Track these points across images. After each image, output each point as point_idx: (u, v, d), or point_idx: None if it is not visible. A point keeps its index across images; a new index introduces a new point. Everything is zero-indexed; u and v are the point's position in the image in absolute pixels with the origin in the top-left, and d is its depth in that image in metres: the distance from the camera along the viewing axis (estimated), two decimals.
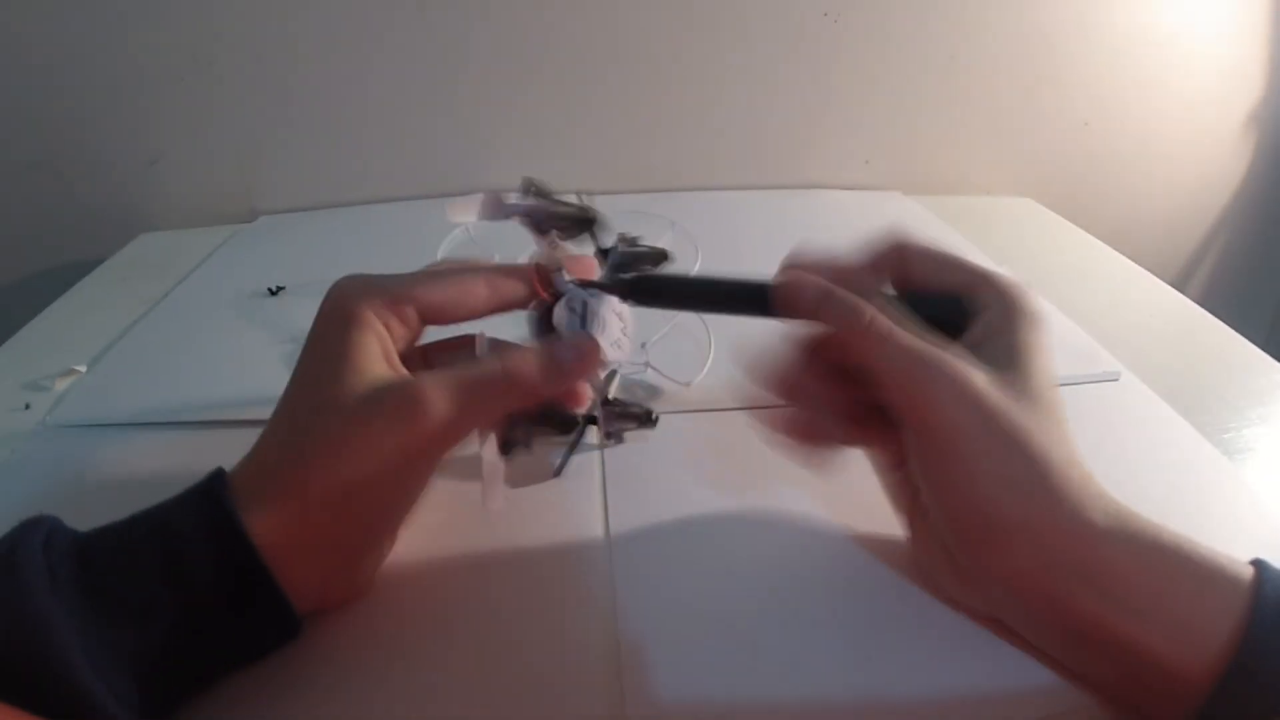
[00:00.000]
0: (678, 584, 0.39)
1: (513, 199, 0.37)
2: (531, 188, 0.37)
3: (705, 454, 0.47)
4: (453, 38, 0.81)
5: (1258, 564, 0.30)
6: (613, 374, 0.48)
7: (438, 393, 0.31)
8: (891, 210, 0.88)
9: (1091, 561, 0.30)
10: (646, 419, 0.48)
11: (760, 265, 0.70)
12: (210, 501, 0.30)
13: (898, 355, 0.33)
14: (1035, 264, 0.73)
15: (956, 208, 0.88)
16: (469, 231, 0.70)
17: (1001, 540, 0.31)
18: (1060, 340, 0.59)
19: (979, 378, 0.32)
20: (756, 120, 0.90)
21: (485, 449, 0.37)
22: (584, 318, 0.36)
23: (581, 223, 0.39)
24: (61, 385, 0.55)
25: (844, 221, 0.84)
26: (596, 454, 0.47)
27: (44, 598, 0.27)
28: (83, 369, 0.56)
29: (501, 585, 0.38)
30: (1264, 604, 0.28)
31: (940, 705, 0.33)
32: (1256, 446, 0.50)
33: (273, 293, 0.66)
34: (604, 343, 0.36)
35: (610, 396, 0.48)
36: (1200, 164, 1.04)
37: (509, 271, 0.37)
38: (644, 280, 0.38)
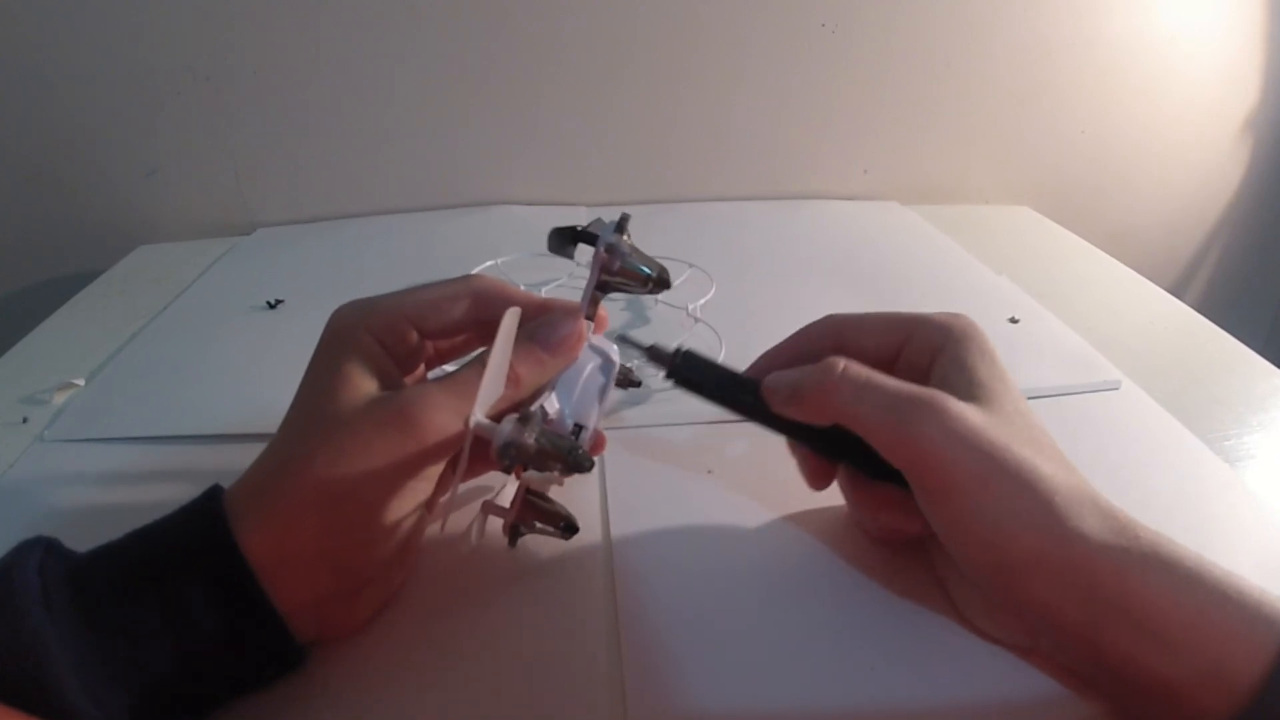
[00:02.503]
0: (679, 590, 0.38)
1: (605, 226, 0.36)
2: (625, 225, 0.36)
3: (707, 463, 0.47)
4: (454, 50, 0.81)
5: None
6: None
7: (424, 401, 0.32)
8: (890, 220, 0.88)
9: (1122, 592, 0.29)
10: (569, 530, 0.39)
11: (761, 276, 0.70)
12: (206, 520, 0.30)
13: (881, 399, 0.33)
14: (1033, 272, 0.73)
15: (954, 217, 0.88)
16: (498, 265, 0.70)
17: (1020, 574, 0.31)
18: (1060, 349, 0.59)
19: (968, 412, 0.32)
20: (755, 131, 0.90)
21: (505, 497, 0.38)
22: (584, 391, 0.36)
23: (658, 282, 0.37)
24: (60, 399, 0.55)
25: (843, 231, 0.84)
26: (596, 462, 0.47)
27: (38, 621, 0.27)
28: (81, 383, 0.56)
29: (502, 595, 0.38)
30: None
31: (947, 715, 0.33)
32: (1257, 453, 0.50)
33: (271, 306, 0.66)
34: (592, 427, 0.36)
35: (534, 490, 0.39)
36: (1197, 170, 1.04)
37: (494, 285, 0.37)
38: (689, 365, 0.38)
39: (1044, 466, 0.32)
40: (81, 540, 0.31)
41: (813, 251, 0.78)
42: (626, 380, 0.42)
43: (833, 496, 0.42)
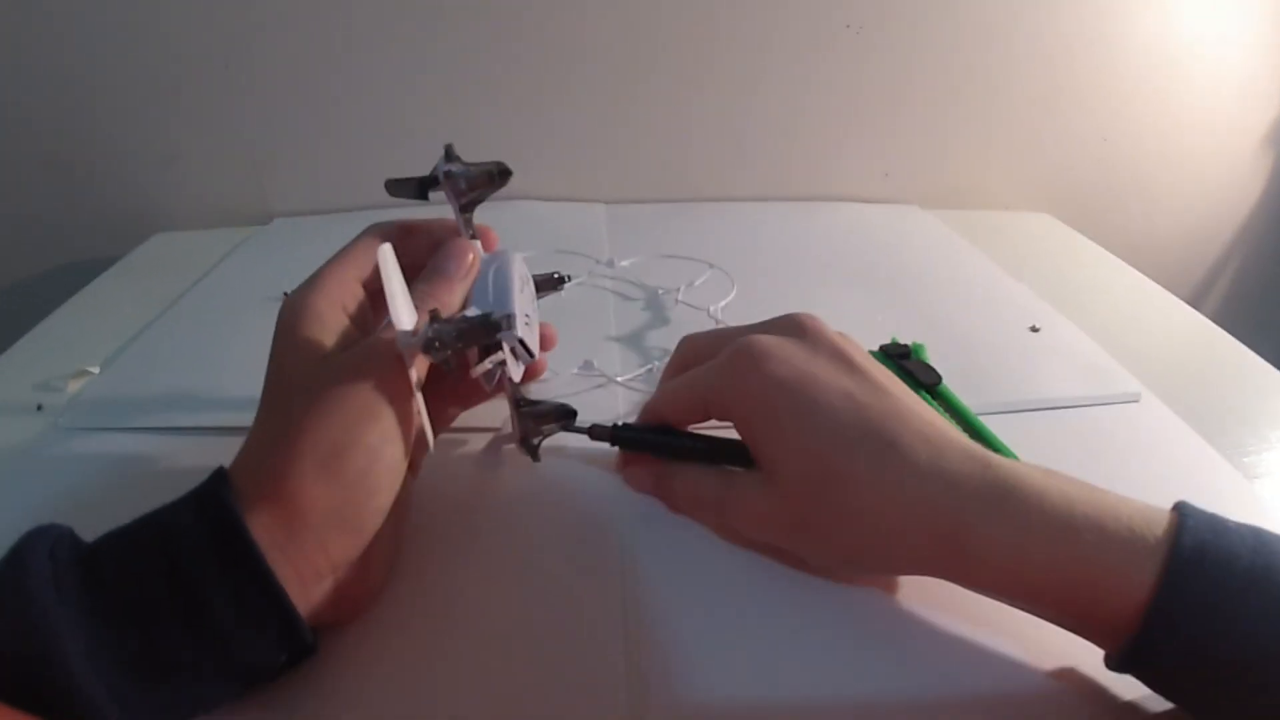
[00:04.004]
0: (696, 586, 0.39)
1: (437, 163, 0.41)
2: (452, 153, 0.41)
3: None
4: (476, 44, 0.81)
5: (1178, 516, 0.31)
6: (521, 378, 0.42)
7: (382, 338, 0.34)
8: (909, 224, 0.88)
9: (960, 536, 0.31)
10: (567, 416, 0.44)
11: (781, 278, 0.70)
12: (212, 503, 0.31)
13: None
14: (1052, 280, 0.72)
15: (974, 222, 0.87)
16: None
17: (846, 487, 0.33)
18: (1080, 359, 0.59)
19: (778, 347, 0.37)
20: (777, 132, 0.89)
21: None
22: (494, 287, 0.40)
23: (500, 175, 0.42)
24: (74, 387, 0.55)
25: (862, 234, 0.84)
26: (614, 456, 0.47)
27: (49, 605, 0.27)
28: (95, 370, 0.56)
29: (517, 589, 0.38)
30: (1172, 579, 0.29)
31: (965, 708, 0.33)
32: (1276, 471, 0.49)
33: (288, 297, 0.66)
34: (516, 311, 0.38)
35: (521, 396, 0.44)
36: (1218, 180, 1.04)
37: (395, 223, 0.42)
38: (627, 430, 0.44)
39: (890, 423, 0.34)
40: (95, 529, 0.31)
41: (833, 254, 0.78)
42: (553, 282, 0.48)
43: None
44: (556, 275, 0.48)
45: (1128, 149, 0.97)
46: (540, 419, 0.44)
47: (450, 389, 0.44)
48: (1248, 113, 0.99)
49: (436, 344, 0.33)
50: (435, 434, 0.42)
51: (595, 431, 0.44)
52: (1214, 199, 1.05)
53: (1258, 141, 1.01)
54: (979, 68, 0.88)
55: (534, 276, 0.46)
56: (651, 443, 0.43)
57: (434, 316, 0.33)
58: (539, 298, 0.47)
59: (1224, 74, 0.95)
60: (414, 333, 0.33)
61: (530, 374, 0.43)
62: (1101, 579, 0.29)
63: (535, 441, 0.44)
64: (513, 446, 0.46)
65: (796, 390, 0.35)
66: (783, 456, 0.35)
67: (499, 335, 0.36)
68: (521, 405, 0.44)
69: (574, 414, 0.44)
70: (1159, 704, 0.32)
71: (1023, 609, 0.33)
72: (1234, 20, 0.92)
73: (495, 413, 0.49)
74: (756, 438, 0.37)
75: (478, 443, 0.48)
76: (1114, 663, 0.31)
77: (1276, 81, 0.97)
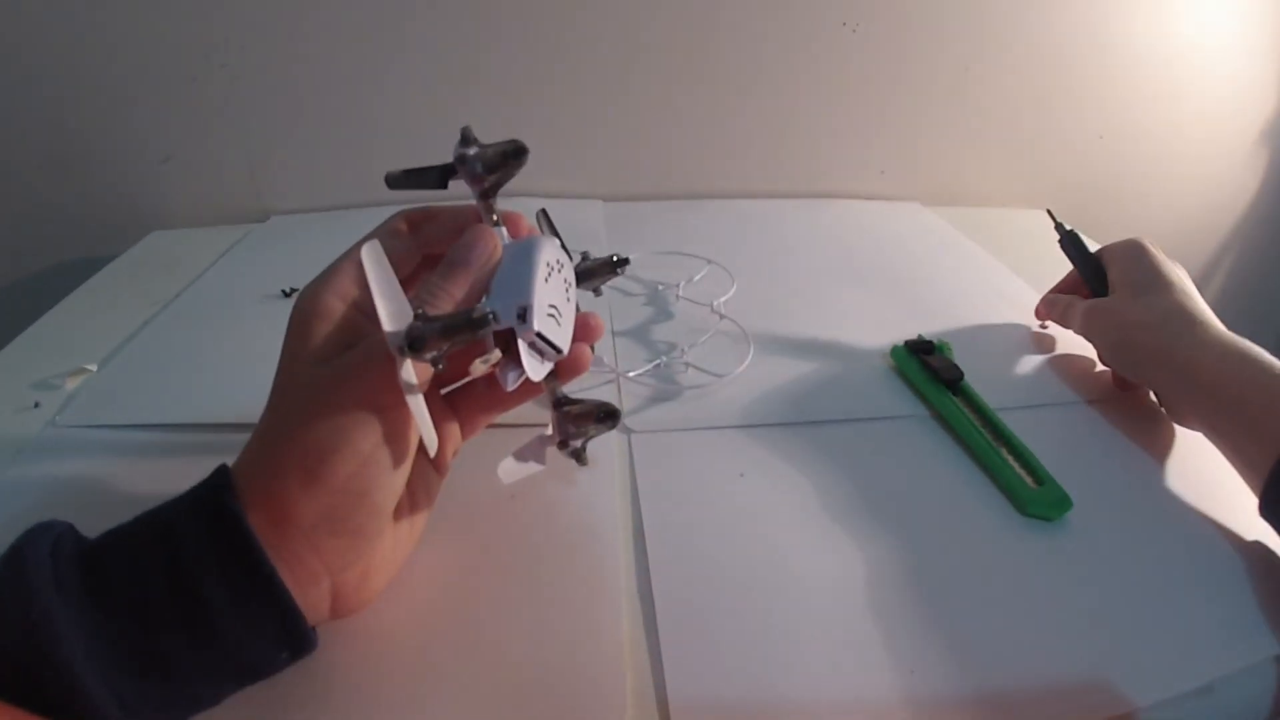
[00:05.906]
0: (712, 587, 0.39)
1: (456, 149, 0.38)
2: (469, 135, 0.38)
3: (740, 466, 0.47)
4: (472, 42, 0.81)
5: None
6: (552, 373, 0.38)
7: (373, 341, 0.32)
8: (907, 221, 0.88)
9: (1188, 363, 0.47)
10: (608, 418, 0.40)
11: (781, 274, 0.70)
12: (213, 501, 0.30)
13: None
14: (1049, 277, 0.72)
15: (971, 219, 0.88)
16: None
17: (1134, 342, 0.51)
18: (1090, 354, 0.59)
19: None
20: (774, 129, 0.89)
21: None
22: (512, 276, 0.35)
23: (515, 154, 0.39)
24: (71, 384, 0.54)
25: (863, 231, 0.84)
26: (626, 453, 0.48)
27: (50, 601, 0.27)
28: (93, 368, 0.56)
29: (520, 589, 0.38)
30: None
31: (985, 705, 0.33)
32: None
33: (286, 294, 0.65)
34: (534, 302, 0.34)
35: (561, 395, 0.40)
36: (1214, 178, 1.04)
37: (418, 209, 0.41)
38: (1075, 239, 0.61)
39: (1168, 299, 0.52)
40: (93, 526, 0.31)
41: (834, 251, 0.78)
42: (610, 266, 0.43)
43: (861, 505, 0.42)
44: (615, 258, 0.43)
45: (1124, 146, 0.98)
46: (579, 420, 0.40)
47: (484, 390, 0.41)
48: (1243, 110, 0.99)
49: (414, 344, 0.31)
50: (470, 434, 0.41)
51: (1059, 228, 0.61)
52: (1210, 195, 1.06)
53: (1253, 138, 1.01)
54: (976, 66, 0.88)
55: (590, 261, 0.42)
56: (1076, 253, 0.60)
57: (419, 315, 0.32)
58: (595, 285, 0.43)
59: (1219, 72, 0.95)
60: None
61: (566, 370, 0.39)
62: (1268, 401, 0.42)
63: (576, 444, 0.41)
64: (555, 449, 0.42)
65: (1156, 258, 0.55)
66: (1130, 282, 0.54)
67: (491, 329, 0.33)
68: (561, 404, 0.40)
69: (617, 414, 0.40)
70: None
71: (1207, 425, 0.46)
72: (1230, 21, 0.92)
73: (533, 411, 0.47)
74: (1127, 271, 0.55)
75: (489, 442, 0.47)
76: (1263, 497, 0.41)
77: (1271, 79, 0.97)
